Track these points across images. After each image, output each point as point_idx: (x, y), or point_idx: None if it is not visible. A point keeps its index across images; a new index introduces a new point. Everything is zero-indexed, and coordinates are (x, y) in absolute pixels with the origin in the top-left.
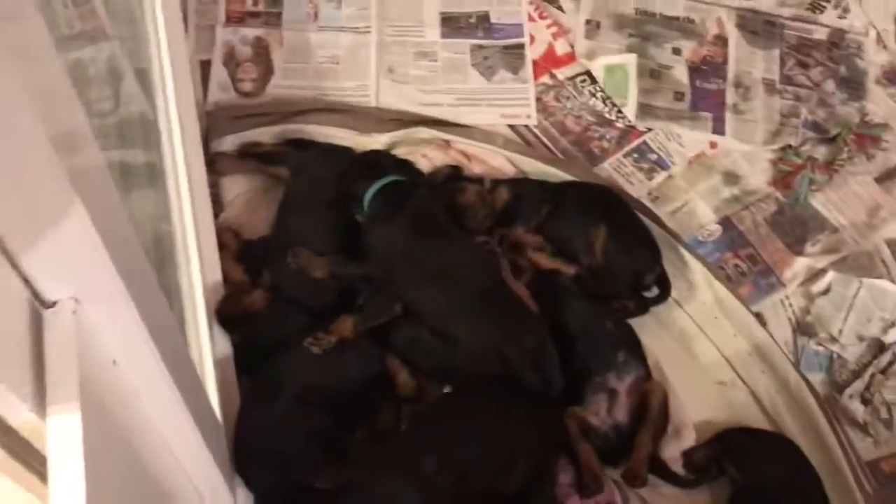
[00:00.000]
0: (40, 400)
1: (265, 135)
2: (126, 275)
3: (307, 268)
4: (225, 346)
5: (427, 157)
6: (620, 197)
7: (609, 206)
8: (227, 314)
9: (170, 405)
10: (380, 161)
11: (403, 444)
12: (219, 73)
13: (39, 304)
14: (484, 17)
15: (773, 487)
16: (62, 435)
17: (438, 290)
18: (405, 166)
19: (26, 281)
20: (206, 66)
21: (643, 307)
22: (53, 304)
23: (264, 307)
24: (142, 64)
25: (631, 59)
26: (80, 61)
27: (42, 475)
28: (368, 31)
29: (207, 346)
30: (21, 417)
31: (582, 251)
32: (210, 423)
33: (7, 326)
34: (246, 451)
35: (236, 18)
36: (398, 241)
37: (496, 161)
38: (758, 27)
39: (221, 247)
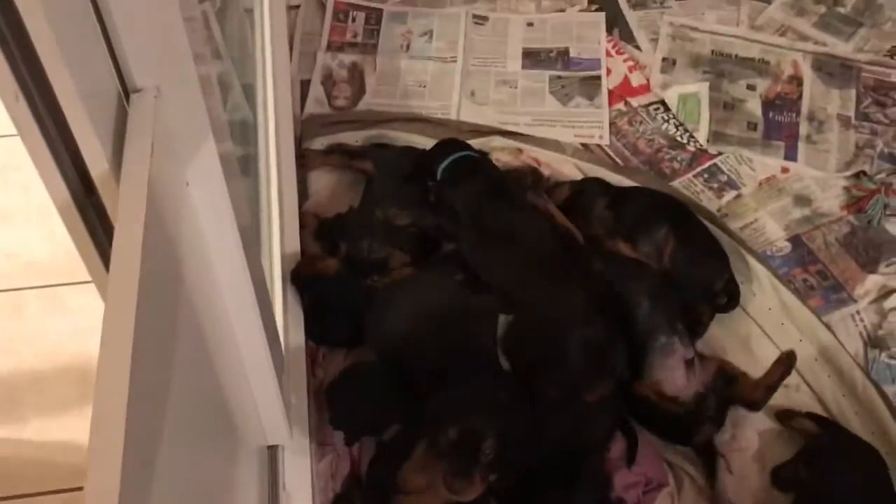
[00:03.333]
0: (117, 160)
1: (351, 138)
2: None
3: (392, 217)
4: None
5: (500, 162)
6: (686, 205)
7: (676, 213)
8: (301, 273)
9: (232, 258)
10: (455, 141)
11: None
12: (316, 90)
13: (127, 90)
14: (564, 52)
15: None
16: (132, 184)
17: (504, 252)
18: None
19: (118, 67)
20: (305, 85)
21: (712, 314)
22: (139, 91)
23: (334, 273)
24: (248, 80)
25: (703, 87)
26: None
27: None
28: (454, 61)
29: (280, 302)
30: (100, 167)
31: (651, 258)
32: (272, 326)
33: (100, 103)
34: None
35: (336, 46)
36: (468, 205)
37: (566, 168)
38: (834, 69)
39: (303, 226)
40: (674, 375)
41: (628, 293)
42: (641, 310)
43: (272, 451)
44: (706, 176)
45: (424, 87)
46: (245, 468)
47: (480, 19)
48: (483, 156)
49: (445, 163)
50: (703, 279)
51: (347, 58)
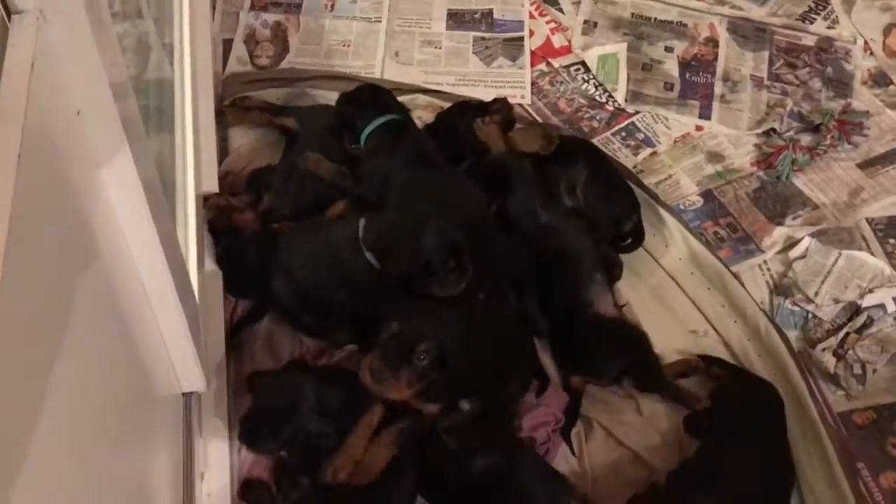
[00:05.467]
0: None
1: (272, 96)
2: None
3: (315, 168)
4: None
5: (421, 119)
6: (601, 150)
7: (590, 156)
8: (216, 224)
9: (131, 182)
10: (379, 98)
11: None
12: (238, 49)
13: (10, 10)
14: (488, 14)
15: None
16: (10, 101)
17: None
18: (399, 105)
19: None
20: (227, 44)
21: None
22: (21, 12)
23: (250, 228)
24: (170, 39)
25: (622, 48)
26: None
27: None
28: (379, 21)
29: (194, 252)
30: None
31: (565, 194)
32: (182, 275)
33: None
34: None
35: (260, 6)
36: (396, 173)
37: None
38: (748, 33)
39: (223, 190)
40: (608, 306)
41: (575, 237)
42: (586, 250)
43: (187, 398)
44: (623, 134)
45: (348, 46)
46: (160, 414)
47: None
48: (406, 113)
49: (370, 128)
50: (612, 217)
51: (271, 17)
